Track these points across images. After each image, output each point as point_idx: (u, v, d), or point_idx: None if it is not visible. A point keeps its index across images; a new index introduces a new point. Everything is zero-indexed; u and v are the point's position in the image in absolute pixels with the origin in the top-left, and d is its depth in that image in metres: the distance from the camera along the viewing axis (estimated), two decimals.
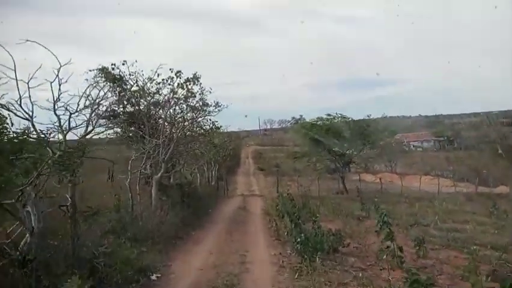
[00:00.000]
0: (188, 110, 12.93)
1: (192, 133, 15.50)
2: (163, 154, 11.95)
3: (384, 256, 8.21)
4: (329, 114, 28.56)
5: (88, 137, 7.40)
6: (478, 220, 16.29)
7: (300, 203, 16.61)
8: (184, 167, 18.06)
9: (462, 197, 24.95)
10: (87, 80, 10.22)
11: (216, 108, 13.41)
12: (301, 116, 32.08)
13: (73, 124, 6.83)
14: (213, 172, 28.52)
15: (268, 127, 67.20)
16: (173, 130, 12.73)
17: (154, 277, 7.45)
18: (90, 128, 7.15)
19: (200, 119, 13.95)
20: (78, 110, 6.77)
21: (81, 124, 6.84)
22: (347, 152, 28.55)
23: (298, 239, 8.59)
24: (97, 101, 7.52)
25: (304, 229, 11.00)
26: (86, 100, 7.12)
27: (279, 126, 64.48)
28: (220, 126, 21.47)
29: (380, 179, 28.83)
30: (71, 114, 6.68)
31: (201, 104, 12.97)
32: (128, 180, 10.05)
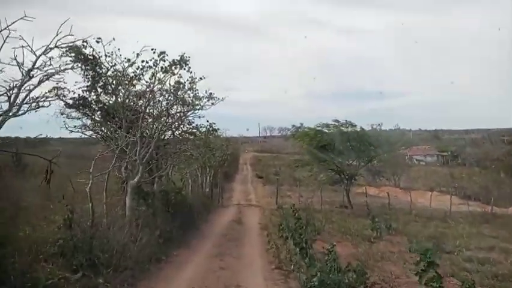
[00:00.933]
0: (175, 101, 10.50)
1: (181, 132, 13.18)
2: (141, 154, 9.59)
3: None
4: (336, 121, 26.20)
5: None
6: (504, 248, 14.33)
7: (303, 217, 14.51)
8: (172, 171, 15.69)
9: (477, 217, 22.96)
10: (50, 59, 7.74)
11: (208, 101, 11.00)
12: (301, 124, 30.67)
13: None
14: (208, 178, 26.14)
15: (268, 134, 65.27)
16: (155, 125, 10.35)
17: None
18: (16, 107, 4.87)
19: (189, 113, 11.55)
20: None
21: None
22: (353, 163, 26.39)
23: (312, 283, 6.19)
24: (29, 71, 5.21)
25: (312, 256, 8.78)
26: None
27: (279, 134, 62.68)
28: (218, 129, 19.41)
29: (388, 193, 26.68)
30: None
31: (190, 95, 10.61)
32: (89, 185, 7.71)
